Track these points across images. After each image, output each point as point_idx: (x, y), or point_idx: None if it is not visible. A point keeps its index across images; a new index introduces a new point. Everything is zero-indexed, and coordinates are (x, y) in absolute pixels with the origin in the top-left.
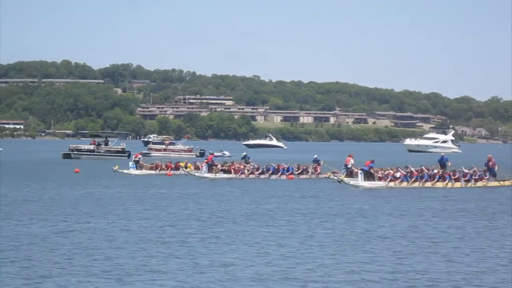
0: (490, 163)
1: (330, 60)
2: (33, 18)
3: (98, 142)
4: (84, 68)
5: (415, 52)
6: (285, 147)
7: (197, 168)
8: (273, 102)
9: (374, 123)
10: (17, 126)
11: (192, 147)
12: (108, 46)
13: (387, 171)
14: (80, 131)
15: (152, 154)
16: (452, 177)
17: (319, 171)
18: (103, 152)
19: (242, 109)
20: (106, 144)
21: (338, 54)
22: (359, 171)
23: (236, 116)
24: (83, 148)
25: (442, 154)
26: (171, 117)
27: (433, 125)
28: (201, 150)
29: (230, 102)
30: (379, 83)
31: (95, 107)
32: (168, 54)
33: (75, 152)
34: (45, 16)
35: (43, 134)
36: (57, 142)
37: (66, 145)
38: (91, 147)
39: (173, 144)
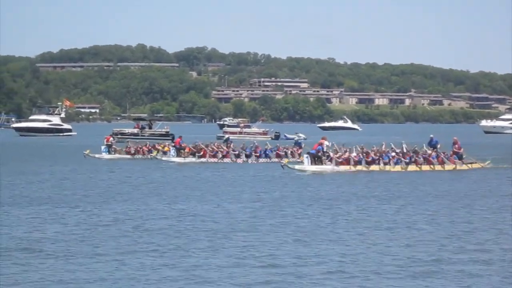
0: (456, 145)
1: (405, 41)
2: (108, 2)
3: (142, 125)
4: (159, 51)
5: (491, 33)
6: (360, 129)
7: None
8: (348, 84)
9: (449, 104)
10: (93, 110)
11: (267, 129)
12: (183, 30)
13: (338, 153)
14: (155, 115)
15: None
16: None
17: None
18: (147, 136)
19: (317, 91)
20: (150, 128)
21: (413, 36)
22: (305, 155)
23: (311, 99)
24: (127, 131)
25: (431, 136)
26: (246, 100)
27: (509, 106)
28: (276, 132)
29: (305, 85)
30: (454, 64)
31: (170, 91)
32: (242, 37)
33: (119, 136)
34: (120, 1)
35: (118, 118)
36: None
37: None
38: (135, 130)
39: (248, 127)
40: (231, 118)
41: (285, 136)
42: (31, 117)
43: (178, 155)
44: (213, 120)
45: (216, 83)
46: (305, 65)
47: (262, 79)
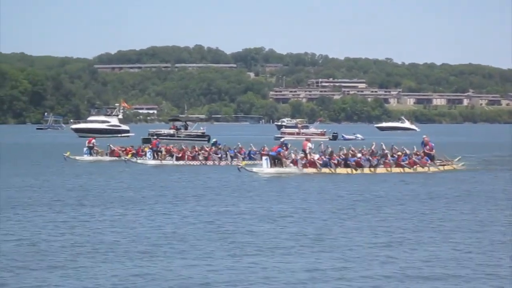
0: (427, 147)
1: (463, 41)
2: (166, 3)
3: (177, 126)
4: (217, 52)
5: None
6: (418, 130)
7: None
8: (406, 85)
9: (507, 104)
10: (151, 111)
11: (325, 130)
12: (241, 30)
13: (300, 155)
14: (213, 116)
15: (285, 138)
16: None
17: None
18: (183, 137)
19: (375, 91)
20: (186, 128)
21: (471, 36)
22: (264, 157)
23: (369, 99)
24: (162, 132)
25: (424, 136)
26: (304, 100)
27: None
28: (334, 133)
29: (363, 85)
30: None
31: (228, 92)
32: (300, 38)
33: (154, 137)
34: (178, 2)
35: None
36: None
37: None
38: (171, 131)
39: (306, 127)
40: (289, 119)
41: (343, 136)
42: (89, 118)
43: (155, 157)
44: (271, 121)
45: (274, 84)
46: (363, 65)
47: (320, 80)
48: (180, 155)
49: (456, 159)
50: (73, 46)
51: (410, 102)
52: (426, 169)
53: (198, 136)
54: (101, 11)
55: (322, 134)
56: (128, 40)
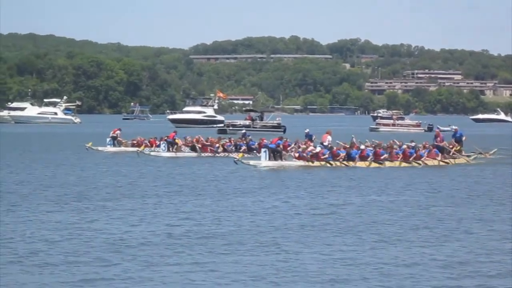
0: (438, 138)
1: None
2: None
3: (253, 117)
4: (312, 43)
5: None
6: None
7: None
8: (502, 76)
9: None
10: (246, 102)
11: (420, 122)
12: (336, 21)
13: (302, 147)
14: (308, 106)
15: (380, 129)
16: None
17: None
18: (259, 127)
19: (471, 83)
20: (262, 119)
21: None
22: (262, 149)
23: (464, 91)
24: (238, 123)
25: (455, 128)
26: (399, 92)
27: None
28: (429, 124)
29: (459, 77)
30: None
31: (323, 83)
32: (396, 29)
33: (230, 128)
34: None
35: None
36: (286, 118)
37: (292, 120)
38: (247, 122)
39: (401, 119)
40: (385, 110)
41: (438, 128)
42: (185, 109)
43: (169, 149)
44: (366, 112)
45: (369, 75)
46: (458, 56)
47: (416, 71)
48: (200, 146)
49: (492, 152)
50: (169, 37)
51: (506, 94)
52: (435, 162)
53: (273, 127)
54: (197, 2)
55: (417, 125)
56: (224, 30)
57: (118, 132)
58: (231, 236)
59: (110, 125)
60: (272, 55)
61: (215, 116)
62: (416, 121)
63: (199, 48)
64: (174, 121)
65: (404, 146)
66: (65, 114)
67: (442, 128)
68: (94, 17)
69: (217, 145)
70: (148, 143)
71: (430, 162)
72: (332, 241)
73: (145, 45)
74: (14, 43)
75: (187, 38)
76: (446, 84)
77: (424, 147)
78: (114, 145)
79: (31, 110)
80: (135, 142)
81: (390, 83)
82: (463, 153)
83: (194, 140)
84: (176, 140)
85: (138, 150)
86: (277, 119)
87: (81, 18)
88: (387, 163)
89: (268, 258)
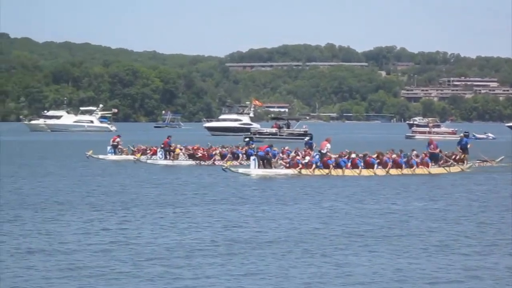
0: (431, 146)
1: None
2: (297, 2)
3: (280, 125)
4: (348, 51)
5: None
6: None
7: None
8: None
9: None
10: (282, 110)
11: (456, 129)
12: (372, 29)
13: (291, 156)
14: (344, 114)
15: (416, 137)
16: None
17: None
18: (285, 135)
19: (507, 90)
20: (288, 127)
21: None
22: (252, 157)
23: (500, 98)
24: (265, 131)
25: (462, 135)
26: (435, 99)
27: None
28: (465, 132)
29: (495, 84)
30: None
31: (359, 90)
32: (432, 36)
33: (257, 136)
34: (310, 0)
35: (307, 118)
36: (321, 125)
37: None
38: (273, 130)
39: (437, 126)
40: (421, 118)
41: (474, 135)
42: (221, 117)
43: (166, 157)
44: (402, 120)
45: (405, 83)
46: (494, 64)
47: (452, 79)
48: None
49: (498, 159)
50: (205, 45)
51: None
52: (426, 170)
53: (300, 134)
54: (233, 10)
55: (453, 133)
56: (259, 38)
57: (118, 140)
58: (278, 244)
59: (144, 133)
60: (308, 63)
61: (251, 124)
62: (452, 129)
63: (235, 56)
64: (210, 129)
65: (394, 156)
66: (101, 122)
67: (478, 136)
68: (130, 25)
69: (214, 153)
70: (149, 151)
71: (420, 170)
72: (376, 248)
73: (181, 53)
74: (50, 52)
75: (223, 46)
76: (482, 91)
77: (417, 156)
78: (115, 153)
79: (67, 119)
80: (135, 150)
81: (426, 90)
82: (467, 161)
83: (193, 148)
84: (172, 147)
85: (135, 158)
86: (304, 126)
87: (116, 26)
88: (378, 171)
89: (314, 265)
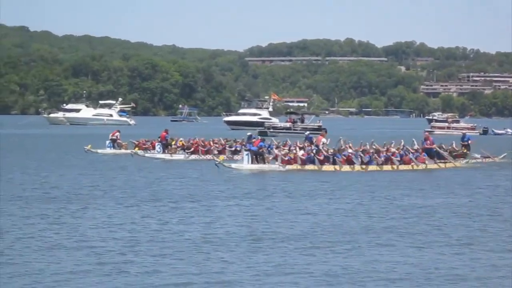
0: (428, 141)
1: None
2: None
3: (294, 119)
4: (368, 46)
5: None
6: None
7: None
8: None
9: None
10: (301, 104)
11: (475, 125)
12: (392, 24)
13: (284, 151)
14: (363, 109)
15: (435, 132)
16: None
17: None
18: (299, 130)
19: None
20: (302, 122)
21: None
22: (245, 152)
23: None
24: (279, 125)
25: (464, 132)
26: (454, 95)
27: None
28: (484, 127)
29: None
30: None
31: (378, 85)
32: (451, 32)
33: (271, 130)
34: None
35: (326, 112)
36: (340, 120)
37: (345, 122)
38: (287, 124)
39: (456, 122)
40: (440, 113)
41: (493, 131)
42: (240, 111)
43: (164, 151)
44: (421, 115)
45: (425, 78)
46: None
47: (471, 74)
48: (192, 149)
49: (502, 156)
50: (224, 39)
51: None
52: (423, 166)
53: (314, 129)
54: (252, 5)
55: (472, 128)
56: (279, 33)
57: (117, 134)
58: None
59: (162, 127)
60: (327, 58)
61: (270, 118)
62: (471, 124)
63: (254, 50)
64: (229, 123)
65: (392, 150)
66: (120, 115)
67: (497, 131)
68: (150, 19)
69: (212, 147)
70: (150, 145)
71: (417, 166)
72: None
73: (200, 47)
74: (70, 45)
75: (242, 40)
76: (502, 87)
77: (415, 151)
78: (114, 147)
79: (86, 112)
80: (135, 143)
81: (445, 86)
82: (467, 157)
83: (194, 142)
84: (169, 140)
85: (132, 152)
86: (318, 121)
87: (136, 20)
88: (371, 167)
89: (339, 259)
